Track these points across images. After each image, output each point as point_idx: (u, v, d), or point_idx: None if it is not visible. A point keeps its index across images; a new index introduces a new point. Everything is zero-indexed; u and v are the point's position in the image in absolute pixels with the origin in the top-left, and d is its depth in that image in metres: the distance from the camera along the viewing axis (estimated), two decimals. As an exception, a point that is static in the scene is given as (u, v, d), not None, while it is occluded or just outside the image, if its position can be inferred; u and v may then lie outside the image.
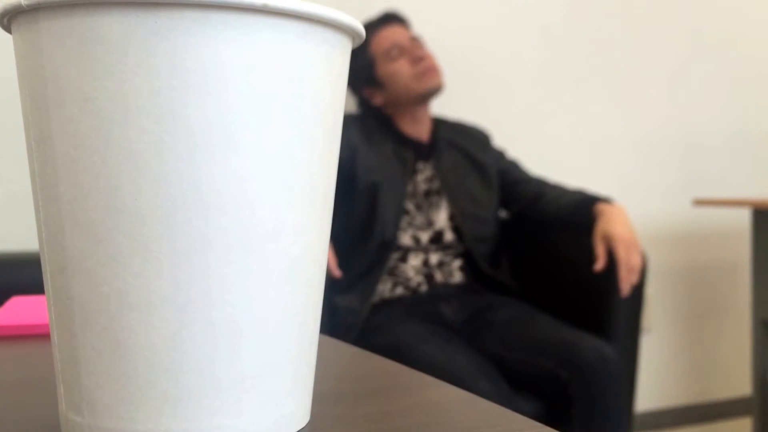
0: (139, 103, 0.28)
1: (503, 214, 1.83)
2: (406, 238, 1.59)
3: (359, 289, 1.54)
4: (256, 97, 0.30)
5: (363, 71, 1.67)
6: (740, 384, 2.40)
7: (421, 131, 1.69)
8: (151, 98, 0.28)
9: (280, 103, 0.30)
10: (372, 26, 1.68)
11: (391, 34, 1.65)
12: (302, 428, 0.34)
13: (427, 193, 1.64)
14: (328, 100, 0.33)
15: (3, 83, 1.54)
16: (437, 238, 1.62)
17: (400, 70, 1.63)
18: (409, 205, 1.61)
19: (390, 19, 1.68)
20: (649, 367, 2.26)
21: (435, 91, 1.64)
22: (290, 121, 0.31)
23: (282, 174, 0.31)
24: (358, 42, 0.35)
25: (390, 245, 1.55)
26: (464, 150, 1.70)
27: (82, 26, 0.28)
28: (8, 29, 0.32)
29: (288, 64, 0.30)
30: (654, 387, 2.27)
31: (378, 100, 1.67)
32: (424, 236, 1.61)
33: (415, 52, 1.64)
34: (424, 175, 1.65)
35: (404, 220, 1.60)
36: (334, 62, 0.33)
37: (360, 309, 1.50)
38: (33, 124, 0.31)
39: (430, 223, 1.62)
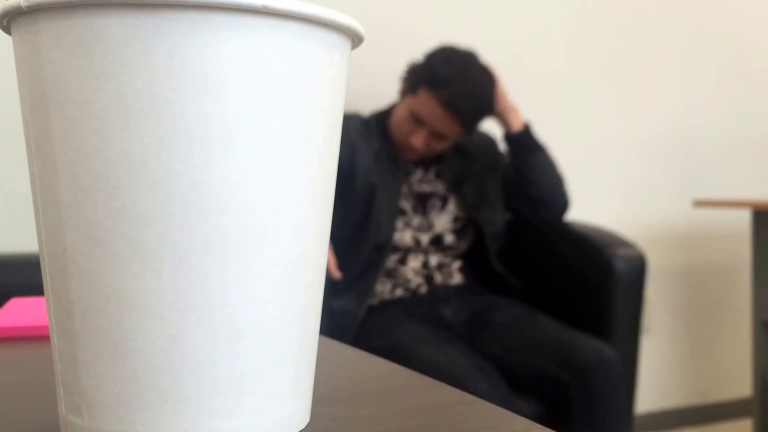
0: (139, 104, 0.28)
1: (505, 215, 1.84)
2: (406, 238, 1.59)
3: (355, 292, 1.54)
4: (256, 98, 0.30)
5: (411, 81, 1.58)
6: (740, 385, 2.40)
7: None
8: (150, 99, 0.28)
9: (279, 104, 0.30)
10: (440, 92, 1.51)
11: (435, 118, 1.53)
12: (302, 429, 0.34)
13: (430, 196, 1.64)
14: (327, 101, 0.33)
15: (2, 84, 1.54)
16: (437, 240, 1.62)
17: (402, 125, 1.59)
18: (406, 206, 1.61)
19: (456, 114, 1.51)
20: (649, 369, 2.26)
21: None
22: (290, 122, 0.31)
23: (281, 175, 0.31)
24: (358, 43, 0.35)
25: (385, 247, 1.54)
26: (471, 153, 1.70)
27: (82, 27, 0.28)
28: (8, 30, 0.32)
29: (287, 65, 0.30)
30: (654, 388, 2.27)
31: (400, 95, 1.64)
32: (425, 238, 1.61)
33: (414, 137, 1.56)
34: (418, 176, 1.65)
35: (401, 221, 1.60)
36: (334, 63, 0.33)
37: (356, 311, 1.50)
38: (32, 126, 0.31)
39: (430, 226, 1.62)
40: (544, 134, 2.08)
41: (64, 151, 0.30)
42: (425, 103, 1.53)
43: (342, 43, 0.33)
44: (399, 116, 1.60)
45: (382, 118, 1.68)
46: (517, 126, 1.61)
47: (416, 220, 1.61)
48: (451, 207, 1.65)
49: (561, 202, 1.64)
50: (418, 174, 1.65)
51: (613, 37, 2.17)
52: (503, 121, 1.62)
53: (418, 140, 1.57)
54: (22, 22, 0.30)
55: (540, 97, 2.07)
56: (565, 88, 2.11)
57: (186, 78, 0.28)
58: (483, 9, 1.99)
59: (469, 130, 1.57)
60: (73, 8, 0.28)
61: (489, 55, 2.00)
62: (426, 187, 1.64)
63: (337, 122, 0.34)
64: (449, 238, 1.64)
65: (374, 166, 1.58)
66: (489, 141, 1.74)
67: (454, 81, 1.51)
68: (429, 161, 1.67)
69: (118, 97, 0.28)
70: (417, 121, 1.56)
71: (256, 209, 0.30)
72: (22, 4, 0.29)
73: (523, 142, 1.61)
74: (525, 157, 1.61)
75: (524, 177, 1.62)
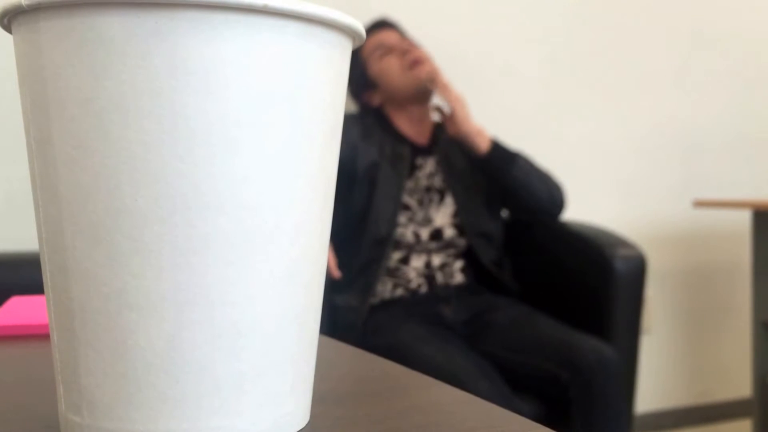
0: (139, 103, 0.28)
1: (504, 214, 1.83)
2: (407, 234, 1.59)
3: (358, 287, 1.54)
4: (257, 97, 0.30)
5: (358, 76, 1.70)
6: (740, 385, 2.40)
7: (419, 132, 1.69)
8: (151, 98, 0.28)
9: (280, 103, 0.30)
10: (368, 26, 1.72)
11: (377, 37, 1.68)
12: (302, 429, 0.34)
13: (428, 189, 1.64)
14: (328, 100, 0.33)
15: (3, 83, 1.54)
16: (437, 235, 1.62)
17: (388, 66, 1.65)
18: (411, 201, 1.61)
19: (379, 25, 1.71)
20: (649, 369, 2.26)
21: (426, 83, 1.63)
22: (290, 122, 0.31)
23: (282, 174, 0.31)
24: (359, 42, 0.35)
25: (385, 242, 1.55)
26: (466, 150, 1.70)
27: (83, 26, 0.28)
28: (9, 29, 0.32)
29: (288, 64, 0.30)
30: (654, 388, 2.27)
31: (376, 100, 1.69)
32: (424, 232, 1.61)
33: (401, 46, 1.66)
34: (425, 171, 1.65)
35: (405, 216, 1.60)
36: (334, 62, 0.33)
37: (360, 307, 1.50)
38: (33, 124, 0.31)
39: (429, 220, 1.62)
40: (542, 135, 2.08)
41: (65, 149, 0.30)
42: (371, 40, 1.69)
43: (342, 42, 0.33)
44: (385, 73, 1.67)
45: (378, 113, 1.69)
46: (484, 147, 1.60)
47: (419, 215, 1.61)
48: (449, 200, 1.65)
49: (556, 203, 1.64)
50: (427, 168, 1.65)
51: (612, 36, 2.17)
52: (469, 145, 1.61)
53: (408, 46, 1.66)
54: (23, 20, 0.30)
55: (539, 96, 2.07)
56: (564, 88, 2.11)
57: (187, 77, 0.28)
58: (480, 8, 1.99)
59: (393, 26, 1.71)
60: (73, 7, 0.28)
61: (486, 55, 2.00)
62: (425, 182, 1.64)
63: (338, 121, 0.34)
64: (449, 233, 1.63)
65: (376, 162, 1.58)
66: None
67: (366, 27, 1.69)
68: (427, 152, 1.67)
69: (118, 96, 0.28)
70: (388, 49, 1.67)
71: (257, 208, 0.30)
72: (23, 3, 0.29)
73: (495, 160, 1.60)
74: (503, 175, 1.60)
75: (512, 193, 1.62)
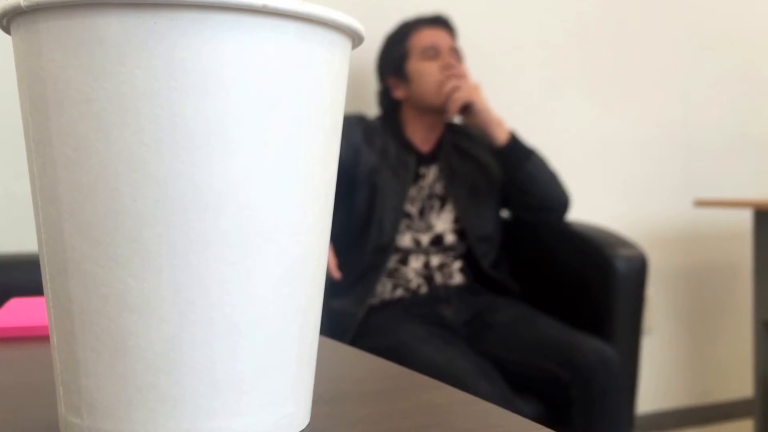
0: (138, 103, 0.28)
1: (505, 214, 1.83)
2: (406, 240, 1.59)
3: (356, 292, 1.53)
4: (256, 97, 0.30)
5: (395, 60, 1.65)
6: (741, 385, 2.40)
7: (425, 139, 1.68)
8: (150, 99, 0.28)
9: (279, 103, 0.30)
10: (419, 22, 1.66)
11: (433, 35, 1.64)
12: (302, 429, 0.34)
13: (429, 197, 1.64)
14: (328, 101, 0.33)
15: (2, 84, 1.54)
16: (437, 241, 1.62)
17: (429, 72, 1.62)
18: (412, 209, 1.61)
19: (439, 21, 1.66)
20: (650, 369, 2.26)
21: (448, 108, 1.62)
22: (290, 122, 0.31)
23: (281, 175, 0.31)
24: (358, 43, 0.35)
25: (387, 249, 1.54)
26: (469, 152, 1.70)
27: (81, 27, 0.28)
28: (7, 30, 0.32)
29: (287, 64, 0.30)
30: (655, 388, 2.26)
31: (399, 93, 1.66)
32: (425, 238, 1.61)
33: (447, 60, 1.62)
34: (427, 180, 1.64)
35: (404, 223, 1.60)
36: (334, 63, 0.33)
37: (355, 312, 1.49)
38: (32, 125, 0.31)
39: (429, 227, 1.62)
40: (544, 134, 2.08)
41: (64, 150, 0.29)
42: (426, 36, 1.64)
43: (342, 42, 0.33)
44: (422, 77, 1.62)
45: (390, 115, 1.67)
46: (502, 139, 1.60)
47: (417, 222, 1.61)
48: (450, 207, 1.65)
49: (561, 204, 1.64)
50: (430, 177, 1.65)
51: (614, 36, 2.17)
52: (488, 135, 1.61)
53: (452, 66, 1.61)
54: (21, 21, 0.30)
55: (541, 97, 2.07)
56: (566, 87, 2.11)
57: (186, 77, 0.28)
58: (484, 8, 1.99)
59: (452, 29, 1.70)
60: (72, 8, 0.28)
61: (489, 54, 2.00)
62: (427, 190, 1.64)
63: (338, 122, 0.34)
64: (450, 238, 1.63)
65: (379, 167, 1.58)
66: (484, 144, 1.74)
67: (415, 18, 1.67)
68: (429, 160, 1.67)
69: (117, 97, 0.28)
70: (436, 53, 1.63)
71: (257, 209, 0.30)
72: (21, 4, 0.29)
73: (512, 153, 1.60)
74: (516, 169, 1.60)
75: (520, 189, 1.62)
